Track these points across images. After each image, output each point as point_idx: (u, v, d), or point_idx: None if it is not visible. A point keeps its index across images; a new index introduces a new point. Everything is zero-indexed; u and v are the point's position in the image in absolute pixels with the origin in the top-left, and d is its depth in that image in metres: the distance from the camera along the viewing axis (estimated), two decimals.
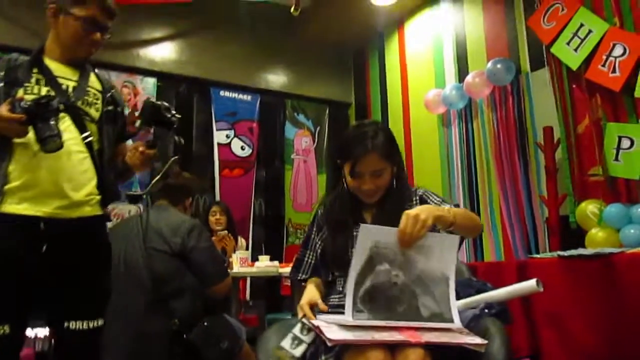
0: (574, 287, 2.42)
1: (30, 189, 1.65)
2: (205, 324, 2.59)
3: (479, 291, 1.69)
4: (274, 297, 4.85)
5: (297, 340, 1.52)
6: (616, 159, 2.91)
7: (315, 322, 1.50)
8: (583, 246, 2.87)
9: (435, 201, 1.73)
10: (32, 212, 1.64)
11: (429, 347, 1.37)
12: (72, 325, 1.79)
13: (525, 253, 3.53)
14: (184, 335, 2.51)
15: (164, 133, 1.87)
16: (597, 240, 2.81)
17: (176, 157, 1.98)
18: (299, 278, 1.78)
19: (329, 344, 1.35)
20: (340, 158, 1.70)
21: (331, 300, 1.64)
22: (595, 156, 3.01)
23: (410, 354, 1.34)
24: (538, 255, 2.79)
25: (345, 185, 1.71)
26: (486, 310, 1.62)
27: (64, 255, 1.71)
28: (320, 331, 1.41)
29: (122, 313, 2.52)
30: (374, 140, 1.62)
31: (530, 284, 1.54)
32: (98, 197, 1.80)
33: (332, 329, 1.42)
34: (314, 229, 1.79)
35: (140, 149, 1.81)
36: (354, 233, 1.65)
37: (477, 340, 1.37)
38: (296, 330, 1.54)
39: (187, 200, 2.92)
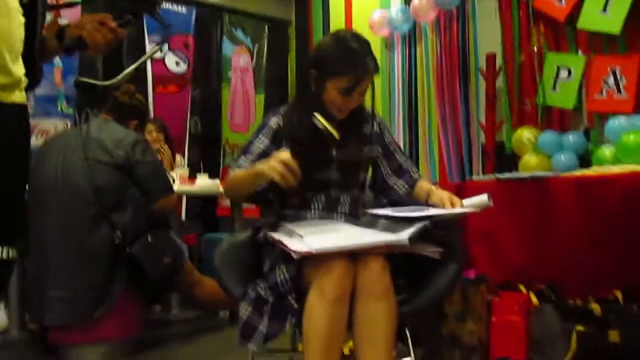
0: (508, 208, 2.56)
1: None
2: (149, 238, 2.55)
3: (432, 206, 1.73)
4: (210, 218, 4.82)
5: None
6: (553, 88, 3.03)
7: (276, 236, 1.50)
8: (517, 170, 3.02)
9: (389, 139, 1.80)
10: None
11: (388, 256, 1.42)
12: None
13: (460, 177, 3.68)
14: (127, 249, 2.47)
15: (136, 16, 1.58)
16: (531, 165, 2.96)
17: (160, 45, 1.73)
18: (239, 164, 1.63)
19: (296, 257, 1.36)
20: (323, 71, 1.60)
21: (309, 214, 1.64)
22: (535, 85, 3.11)
23: (371, 263, 1.38)
24: (475, 177, 2.91)
25: (315, 98, 1.63)
26: (438, 225, 1.69)
27: None
28: (283, 244, 1.41)
29: (64, 226, 2.44)
30: (372, 59, 1.60)
31: (481, 199, 1.60)
32: (26, 80, 1.38)
33: (294, 241, 1.42)
34: (264, 139, 1.66)
35: (112, 24, 1.42)
36: (320, 153, 1.64)
37: (432, 248, 1.43)
38: None
39: (132, 122, 2.77)
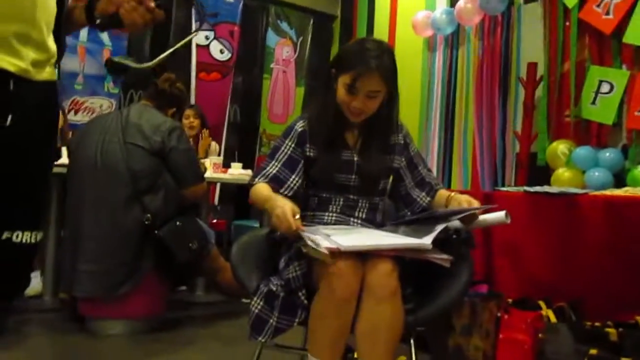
0: (534, 222, 2.54)
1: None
2: (177, 223, 2.66)
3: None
4: (242, 204, 4.92)
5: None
6: (593, 102, 2.96)
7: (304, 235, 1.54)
8: (548, 184, 2.97)
9: (414, 151, 1.82)
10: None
11: (398, 261, 1.44)
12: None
13: (492, 185, 3.64)
14: (155, 231, 2.57)
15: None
16: (563, 179, 2.91)
17: (196, 32, 1.77)
18: (253, 182, 1.67)
19: (343, 248, 1.39)
20: (338, 68, 1.65)
21: (327, 216, 1.68)
22: (571, 98, 3.05)
23: (379, 265, 1.41)
24: (504, 188, 2.88)
25: (333, 97, 1.67)
26: (454, 236, 1.71)
27: (24, 137, 1.25)
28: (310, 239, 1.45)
29: (99, 204, 2.58)
30: (380, 60, 1.59)
31: (500, 215, 1.60)
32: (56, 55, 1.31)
33: (320, 239, 1.46)
34: (290, 143, 1.71)
35: (151, 4, 1.35)
36: (342, 156, 1.67)
37: (443, 256, 1.45)
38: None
39: (170, 110, 2.87)
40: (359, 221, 1.71)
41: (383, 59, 1.60)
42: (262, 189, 1.64)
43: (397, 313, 1.41)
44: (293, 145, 1.70)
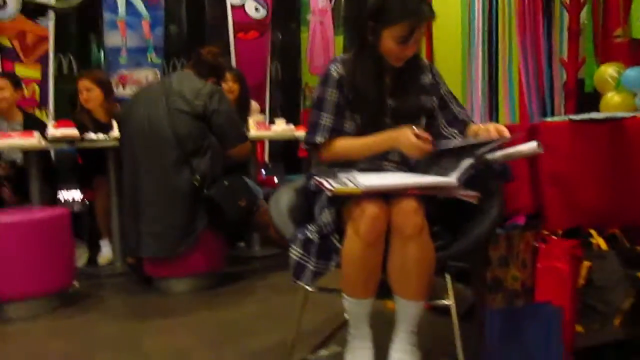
0: (582, 150, 2.45)
1: None
2: (225, 182, 2.78)
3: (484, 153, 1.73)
4: (292, 159, 5.01)
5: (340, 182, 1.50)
6: None
7: (319, 178, 1.60)
8: (598, 110, 2.85)
9: (445, 90, 1.81)
10: None
11: (424, 200, 1.47)
12: None
13: (541, 116, 3.53)
14: (205, 191, 2.70)
15: None
16: (613, 104, 2.78)
17: None
18: (316, 142, 1.70)
19: (330, 194, 1.46)
20: (381, 20, 1.60)
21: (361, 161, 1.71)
22: (620, 18, 2.87)
23: (404, 205, 1.44)
24: (550, 119, 2.80)
25: (372, 50, 1.65)
26: (486, 171, 1.70)
27: None
28: (322, 184, 1.50)
29: (152, 170, 2.74)
30: (428, 6, 1.59)
31: (531, 145, 1.59)
32: None
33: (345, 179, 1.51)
34: (333, 90, 1.70)
35: None
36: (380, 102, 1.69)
37: (470, 192, 1.46)
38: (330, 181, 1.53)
39: (210, 79, 2.94)
40: (394, 164, 1.73)
41: (427, 2, 1.59)
42: (344, 143, 1.68)
43: (425, 250, 1.45)
44: (336, 92, 1.70)
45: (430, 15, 1.60)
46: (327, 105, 1.70)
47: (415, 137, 1.53)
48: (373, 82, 1.68)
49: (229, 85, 3.70)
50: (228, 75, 3.71)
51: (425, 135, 1.54)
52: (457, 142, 1.66)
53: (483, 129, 1.63)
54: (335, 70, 1.72)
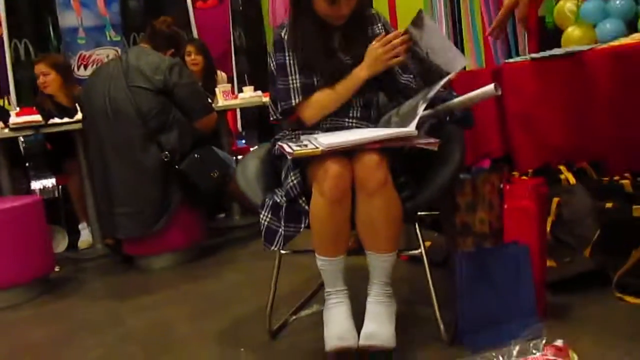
0: (545, 88, 2.47)
1: None
2: (196, 155, 2.76)
3: (444, 101, 1.73)
4: (266, 127, 4.96)
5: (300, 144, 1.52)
6: None
7: (281, 143, 1.61)
8: (560, 46, 2.85)
9: None
10: None
11: (386, 152, 1.47)
12: None
13: (505, 58, 3.52)
14: (176, 166, 2.68)
15: None
16: (573, 38, 2.77)
17: None
18: (293, 104, 1.67)
19: (290, 157, 1.47)
20: None
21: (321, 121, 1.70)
22: None
23: (366, 160, 1.45)
24: (512, 60, 2.80)
25: (310, 15, 1.65)
26: (447, 118, 1.71)
27: None
28: (283, 148, 1.51)
29: (118, 150, 2.70)
30: None
31: (488, 88, 1.58)
32: None
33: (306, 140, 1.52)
34: (288, 53, 1.69)
35: None
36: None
37: (430, 140, 1.46)
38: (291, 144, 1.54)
39: (168, 51, 2.87)
40: (354, 121, 1.72)
41: None
42: (318, 97, 1.67)
43: (390, 202, 1.46)
44: (291, 53, 1.69)
45: None
46: (289, 68, 1.69)
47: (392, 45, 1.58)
48: (315, 42, 1.67)
49: (193, 57, 3.64)
50: (191, 47, 3.64)
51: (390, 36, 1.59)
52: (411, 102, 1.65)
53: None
54: (283, 34, 1.71)
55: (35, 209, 2.68)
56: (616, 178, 2.17)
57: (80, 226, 3.52)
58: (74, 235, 3.53)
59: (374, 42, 1.63)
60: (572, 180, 2.28)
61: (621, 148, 2.28)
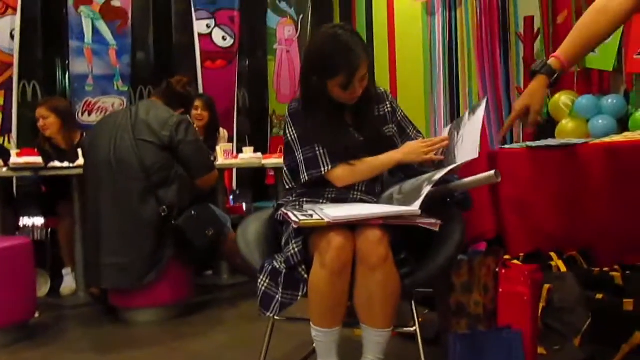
0: (539, 176, 2.55)
1: None
2: (192, 212, 2.77)
3: (446, 182, 1.79)
4: (260, 186, 5.02)
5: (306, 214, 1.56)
6: (592, 50, 2.93)
7: (285, 210, 1.64)
8: (554, 136, 2.98)
9: (401, 115, 1.88)
10: None
11: (388, 229, 1.51)
12: None
13: (501, 143, 3.65)
14: (172, 222, 2.69)
15: None
16: (567, 130, 2.91)
17: None
18: (324, 172, 1.70)
19: (295, 226, 1.50)
20: (323, 74, 1.66)
21: (327, 192, 1.76)
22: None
23: (369, 235, 1.49)
24: (508, 146, 2.90)
25: (325, 99, 1.72)
26: (448, 200, 1.76)
27: None
28: (288, 216, 1.54)
29: (116, 200, 2.71)
30: (358, 46, 1.66)
31: (489, 174, 1.65)
32: None
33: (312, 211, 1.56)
34: (306, 124, 1.75)
35: None
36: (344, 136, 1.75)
37: (431, 220, 1.51)
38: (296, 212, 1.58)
39: (178, 110, 2.94)
40: (359, 194, 1.77)
41: (359, 44, 1.67)
42: (355, 164, 1.72)
43: (390, 278, 1.48)
44: (308, 124, 1.75)
45: (365, 59, 1.67)
46: (310, 136, 1.74)
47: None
48: (329, 120, 1.73)
49: (199, 112, 3.72)
50: (199, 102, 3.73)
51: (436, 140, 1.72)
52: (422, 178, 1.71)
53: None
54: (300, 107, 1.79)
55: (24, 252, 2.64)
56: (606, 269, 2.21)
57: (64, 271, 3.46)
58: (57, 279, 3.47)
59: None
60: (563, 267, 2.31)
61: (610, 239, 2.34)
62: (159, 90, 3.07)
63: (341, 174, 1.72)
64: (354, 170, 1.72)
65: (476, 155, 1.55)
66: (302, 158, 1.74)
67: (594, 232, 2.39)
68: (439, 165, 1.70)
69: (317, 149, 1.72)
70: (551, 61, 1.60)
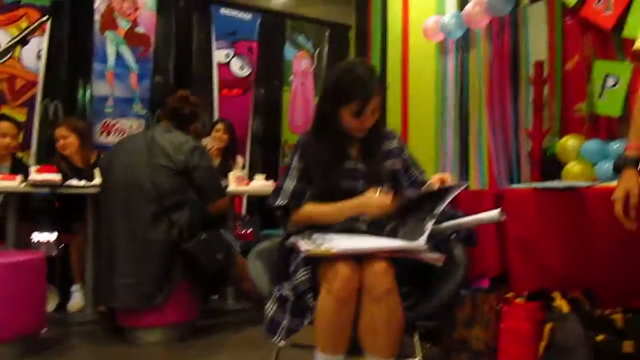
0: (545, 217, 2.60)
1: None
2: (203, 236, 2.83)
3: (448, 217, 1.84)
4: (269, 213, 5.04)
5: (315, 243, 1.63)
6: (601, 96, 3.02)
7: (294, 240, 1.70)
8: (560, 178, 3.03)
9: (407, 154, 1.93)
10: None
11: (394, 262, 1.56)
12: None
13: (508, 183, 3.70)
14: (183, 245, 2.75)
15: None
16: (574, 173, 2.96)
17: None
18: (275, 205, 1.83)
19: (337, 250, 1.55)
20: (337, 102, 1.75)
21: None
22: (583, 93, 3.11)
23: (375, 266, 1.54)
24: (514, 186, 2.95)
25: (335, 128, 1.79)
26: (453, 236, 1.81)
27: None
28: (297, 246, 1.60)
29: (130, 221, 2.77)
30: (373, 80, 1.76)
31: (494, 213, 1.70)
32: None
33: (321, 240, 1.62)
34: (300, 158, 1.83)
35: None
36: (347, 166, 1.81)
37: (435, 255, 1.56)
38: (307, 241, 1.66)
39: (192, 126, 3.03)
40: (365, 225, 1.83)
41: (374, 77, 1.75)
42: (312, 208, 1.78)
43: (394, 310, 1.53)
44: (302, 160, 1.83)
45: (379, 92, 1.76)
46: (292, 171, 1.83)
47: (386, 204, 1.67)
48: (329, 152, 1.80)
49: (220, 134, 3.81)
50: (221, 125, 3.83)
51: (388, 194, 1.69)
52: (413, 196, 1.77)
53: (429, 185, 1.75)
54: (303, 140, 1.87)
55: (38, 266, 2.70)
56: (607, 312, 2.24)
57: (73, 288, 3.51)
58: (65, 295, 3.52)
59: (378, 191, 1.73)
60: (566, 308, 2.34)
61: (613, 281, 2.38)
62: (164, 113, 3.13)
63: (300, 213, 1.80)
64: (310, 213, 1.79)
65: (466, 184, 1.60)
66: (279, 184, 1.84)
67: (597, 273, 2.42)
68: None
69: (287, 180, 1.81)
70: (629, 153, 1.74)
